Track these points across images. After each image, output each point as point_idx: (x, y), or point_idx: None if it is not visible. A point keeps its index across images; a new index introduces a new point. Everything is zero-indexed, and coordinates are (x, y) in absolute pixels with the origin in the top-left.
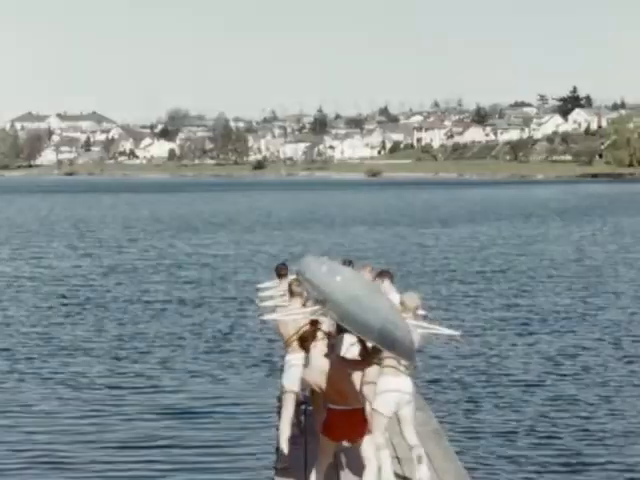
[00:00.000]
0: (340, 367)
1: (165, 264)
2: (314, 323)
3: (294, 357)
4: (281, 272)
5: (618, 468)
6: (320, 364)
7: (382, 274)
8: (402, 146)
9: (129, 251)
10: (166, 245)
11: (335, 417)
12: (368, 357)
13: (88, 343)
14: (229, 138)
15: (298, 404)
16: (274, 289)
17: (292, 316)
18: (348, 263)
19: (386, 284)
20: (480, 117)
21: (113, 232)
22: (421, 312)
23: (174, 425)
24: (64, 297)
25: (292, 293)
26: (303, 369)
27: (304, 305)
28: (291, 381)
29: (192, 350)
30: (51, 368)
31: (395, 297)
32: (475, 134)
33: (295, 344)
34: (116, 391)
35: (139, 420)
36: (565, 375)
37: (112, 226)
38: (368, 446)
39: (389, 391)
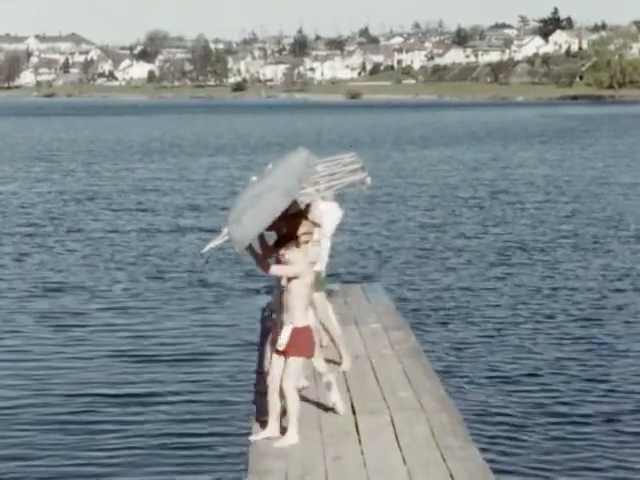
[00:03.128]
0: None
1: (123, 190)
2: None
3: None
4: None
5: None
6: None
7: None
8: (382, 68)
9: (83, 176)
10: (124, 170)
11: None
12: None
13: (39, 278)
14: (208, 60)
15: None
16: None
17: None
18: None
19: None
20: (460, 39)
21: (73, 156)
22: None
23: (147, 368)
24: (5, 225)
25: None
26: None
27: None
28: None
29: (161, 283)
30: None
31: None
32: (455, 56)
33: None
34: (79, 330)
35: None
36: (546, 304)
37: (74, 149)
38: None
39: None
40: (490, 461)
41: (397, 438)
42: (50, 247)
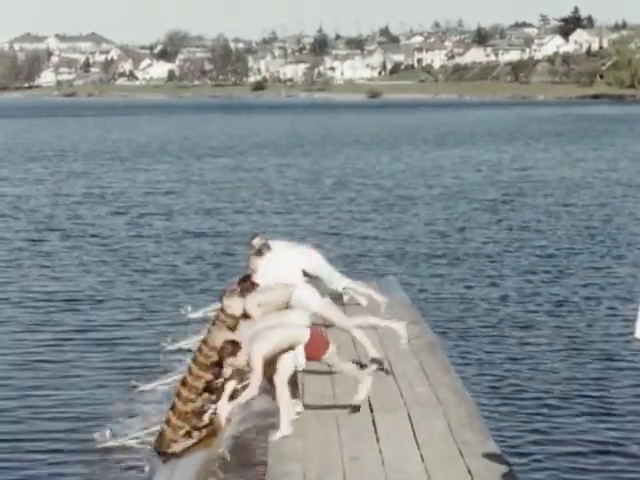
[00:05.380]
0: None
1: (123, 193)
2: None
3: None
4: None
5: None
6: None
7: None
8: (403, 67)
9: (81, 178)
10: (124, 172)
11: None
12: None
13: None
14: (228, 59)
15: None
16: None
17: None
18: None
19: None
20: (481, 38)
21: (76, 158)
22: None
23: None
24: None
25: None
26: None
27: None
28: None
29: (158, 290)
30: None
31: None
32: (476, 55)
33: None
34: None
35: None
36: (563, 313)
37: (81, 151)
38: None
39: None
40: None
41: (415, 435)
42: (41, 253)
